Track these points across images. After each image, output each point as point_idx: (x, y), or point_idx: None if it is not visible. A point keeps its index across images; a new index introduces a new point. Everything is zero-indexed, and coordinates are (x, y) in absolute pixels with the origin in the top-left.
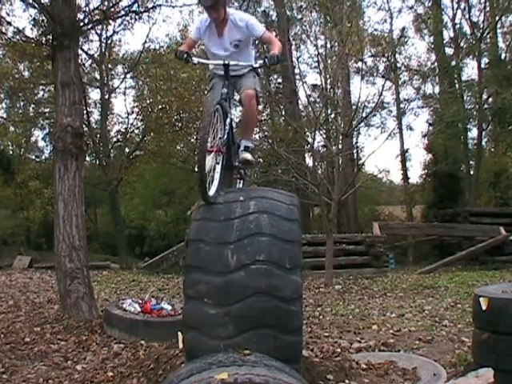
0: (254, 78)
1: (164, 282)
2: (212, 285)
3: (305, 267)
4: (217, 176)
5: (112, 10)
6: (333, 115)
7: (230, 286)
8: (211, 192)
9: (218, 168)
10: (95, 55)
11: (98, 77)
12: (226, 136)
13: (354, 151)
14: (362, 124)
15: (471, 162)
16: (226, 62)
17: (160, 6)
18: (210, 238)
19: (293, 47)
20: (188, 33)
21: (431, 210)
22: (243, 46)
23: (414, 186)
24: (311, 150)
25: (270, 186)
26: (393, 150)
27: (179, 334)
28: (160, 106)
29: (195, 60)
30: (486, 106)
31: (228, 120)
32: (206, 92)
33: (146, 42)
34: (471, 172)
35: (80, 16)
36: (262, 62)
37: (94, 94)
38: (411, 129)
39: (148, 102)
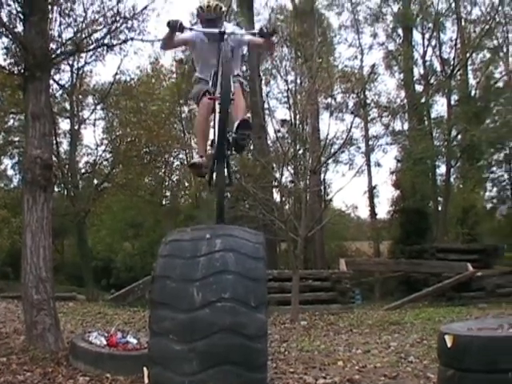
0: (235, 84)
1: (130, 315)
2: (177, 321)
3: (271, 303)
4: None
5: (84, 42)
6: (301, 151)
7: (196, 322)
8: None
9: None
10: (66, 85)
11: (68, 107)
12: None
13: (322, 187)
14: (331, 160)
15: (439, 199)
16: (222, 30)
17: (132, 39)
18: (176, 274)
19: (263, 82)
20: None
21: (398, 246)
22: (235, 56)
23: (382, 222)
24: (279, 185)
25: (237, 221)
26: (361, 186)
27: (144, 368)
28: (129, 139)
29: (188, 28)
30: (454, 142)
31: None
32: (175, 125)
33: (116, 73)
34: (439, 208)
35: (53, 46)
36: (258, 30)
37: (64, 125)
38: (379, 165)
39: (117, 134)
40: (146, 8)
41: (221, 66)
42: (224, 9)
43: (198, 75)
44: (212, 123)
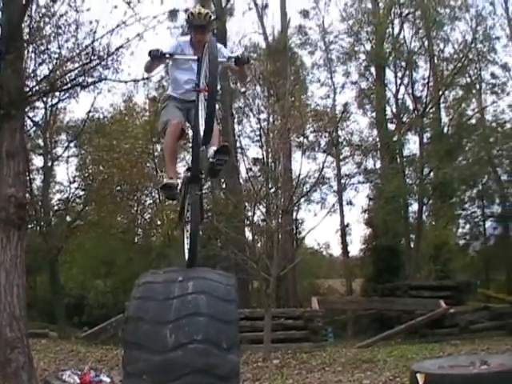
0: None
1: (103, 354)
2: (151, 363)
3: (243, 341)
4: None
5: (59, 81)
6: (273, 190)
7: (169, 364)
8: None
9: None
10: (40, 122)
11: (41, 144)
12: None
13: (294, 226)
14: (303, 199)
15: (412, 236)
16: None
17: (106, 79)
18: (150, 316)
19: (235, 121)
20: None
21: (371, 284)
22: None
23: (354, 260)
24: (251, 224)
25: (209, 260)
26: (333, 224)
27: None
28: (102, 177)
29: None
30: (427, 180)
31: None
32: (147, 163)
33: (90, 111)
34: (411, 246)
35: (28, 83)
36: (235, 56)
37: (37, 161)
38: (351, 204)
39: (90, 171)
40: (120, 47)
41: (206, 56)
42: (213, 17)
43: (170, 93)
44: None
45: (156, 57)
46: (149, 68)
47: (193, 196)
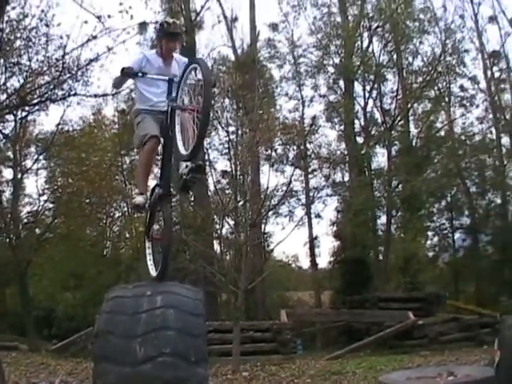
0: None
1: (73, 366)
2: (121, 375)
3: (212, 354)
4: None
5: (29, 95)
6: (241, 203)
7: (138, 377)
8: None
9: None
10: (9, 135)
11: (11, 156)
12: None
13: (263, 238)
14: (271, 212)
15: (381, 248)
16: (171, 77)
17: (75, 94)
18: (119, 330)
19: None
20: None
21: (340, 296)
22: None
23: (323, 272)
24: (219, 237)
25: (178, 273)
26: (302, 237)
27: None
28: (71, 190)
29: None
30: (395, 193)
31: None
32: (116, 176)
33: (59, 123)
34: (380, 258)
35: None
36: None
37: (7, 174)
38: (319, 216)
39: (59, 184)
40: (91, 62)
41: (189, 74)
42: (183, 29)
43: (141, 107)
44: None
45: (128, 74)
46: (118, 84)
47: (165, 212)
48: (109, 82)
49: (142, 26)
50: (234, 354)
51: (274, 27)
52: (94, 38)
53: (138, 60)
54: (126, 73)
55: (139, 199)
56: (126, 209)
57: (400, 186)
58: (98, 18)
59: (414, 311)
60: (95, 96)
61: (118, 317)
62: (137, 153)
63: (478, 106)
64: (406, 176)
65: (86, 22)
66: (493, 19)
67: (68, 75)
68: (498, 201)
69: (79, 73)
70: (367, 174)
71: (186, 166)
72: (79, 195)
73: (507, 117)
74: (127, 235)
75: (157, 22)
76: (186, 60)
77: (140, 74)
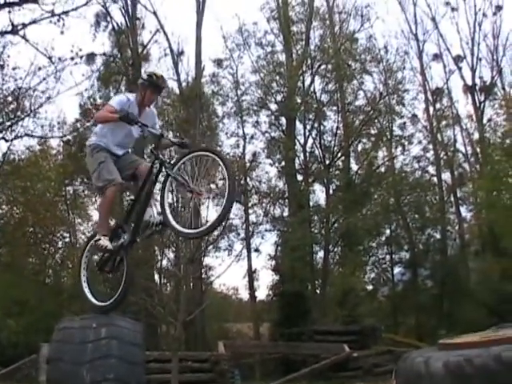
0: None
1: None
2: None
3: (152, 383)
4: None
5: None
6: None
7: None
8: None
9: None
10: None
11: None
12: None
13: (204, 271)
14: (211, 246)
15: (319, 282)
16: (162, 133)
17: (32, 136)
18: (68, 357)
19: None
20: (108, 106)
21: (278, 328)
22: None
23: (262, 305)
24: (159, 270)
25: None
26: (242, 269)
27: None
28: (16, 219)
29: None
30: (333, 229)
31: None
32: (60, 205)
33: (6, 153)
34: (318, 291)
35: None
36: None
37: None
38: (258, 251)
39: (4, 212)
40: (41, 105)
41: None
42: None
43: (102, 143)
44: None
45: (131, 122)
46: (105, 122)
47: (128, 256)
48: (54, 111)
49: (90, 57)
50: (172, 383)
51: (218, 63)
52: (44, 79)
53: (122, 101)
54: (131, 120)
55: (107, 243)
56: (68, 239)
57: (338, 222)
58: (49, 58)
59: (349, 344)
60: (51, 137)
61: (66, 345)
62: (85, 184)
63: (420, 142)
64: (343, 213)
65: (39, 68)
66: (437, 56)
67: (21, 117)
68: (438, 236)
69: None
70: (306, 210)
71: (151, 217)
72: (24, 225)
73: (448, 153)
74: (70, 264)
75: (105, 54)
76: (154, 111)
77: (139, 125)
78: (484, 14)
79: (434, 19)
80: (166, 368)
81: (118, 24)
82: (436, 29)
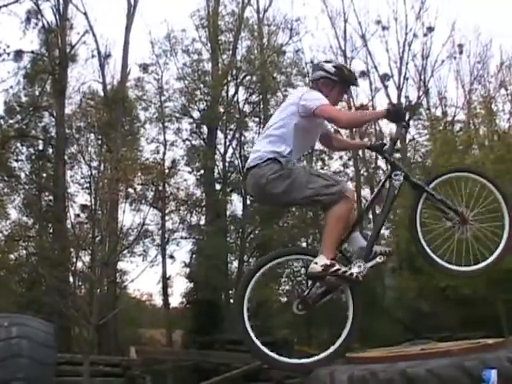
0: None
1: None
2: None
3: None
4: None
5: None
6: (98, 238)
7: None
8: None
9: None
10: None
11: None
12: None
13: (118, 275)
14: (126, 251)
15: (232, 292)
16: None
17: None
18: None
19: (66, 166)
20: (329, 106)
21: (191, 336)
22: None
23: (176, 312)
24: (74, 271)
25: (32, 305)
26: (156, 275)
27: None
28: None
29: None
30: (248, 239)
31: None
32: None
33: None
34: (232, 301)
35: None
36: None
37: None
38: (173, 257)
39: None
40: None
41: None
42: None
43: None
44: None
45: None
46: (363, 123)
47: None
48: None
49: (18, 54)
50: None
51: (144, 68)
52: None
53: None
54: (403, 115)
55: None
56: None
57: (253, 233)
58: None
59: None
60: None
61: None
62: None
63: (341, 158)
64: (259, 224)
65: None
66: (364, 74)
67: None
68: None
69: None
70: (222, 220)
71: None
72: None
73: (369, 170)
74: None
75: (33, 52)
76: None
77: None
78: (415, 35)
79: (363, 36)
80: (78, 371)
81: (48, 22)
82: (365, 46)
